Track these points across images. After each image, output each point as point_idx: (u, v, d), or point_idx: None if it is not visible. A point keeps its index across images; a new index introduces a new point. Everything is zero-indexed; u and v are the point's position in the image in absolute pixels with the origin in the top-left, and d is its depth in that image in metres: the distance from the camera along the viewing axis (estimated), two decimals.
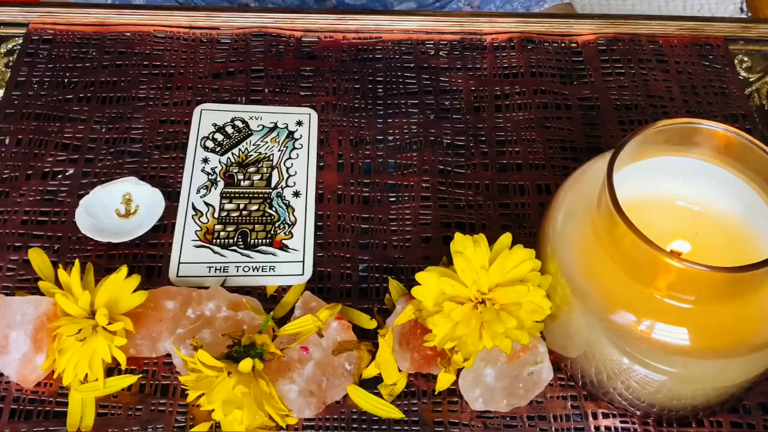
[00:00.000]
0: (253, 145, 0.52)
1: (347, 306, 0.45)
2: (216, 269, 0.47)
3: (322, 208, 0.50)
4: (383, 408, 0.42)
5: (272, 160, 0.52)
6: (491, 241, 0.40)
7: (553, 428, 0.42)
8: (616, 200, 0.35)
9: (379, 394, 0.42)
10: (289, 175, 0.51)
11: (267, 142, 0.53)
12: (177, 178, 0.51)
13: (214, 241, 0.48)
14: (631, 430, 0.42)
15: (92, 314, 0.41)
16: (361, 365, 0.42)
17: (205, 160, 0.51)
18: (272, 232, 0.48)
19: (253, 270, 0.47)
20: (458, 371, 0.42)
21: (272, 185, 0.50)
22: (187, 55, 0.57)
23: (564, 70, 0.57)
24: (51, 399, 0.42)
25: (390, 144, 0.53)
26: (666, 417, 0.41)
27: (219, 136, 0.53)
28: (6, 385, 0.43)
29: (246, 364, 0.39)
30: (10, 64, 0.56)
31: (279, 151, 0.52)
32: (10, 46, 0.58)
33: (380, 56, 0.58)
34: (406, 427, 0.42)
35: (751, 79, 0.57)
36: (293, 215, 0.49)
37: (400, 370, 0.42)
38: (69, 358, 0.41)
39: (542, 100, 0.55)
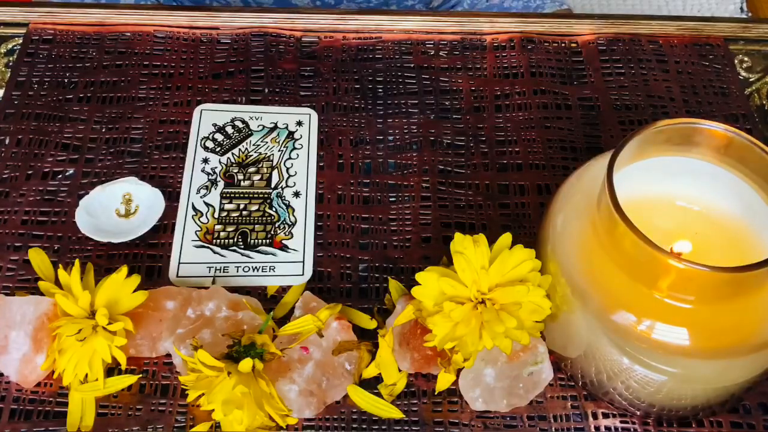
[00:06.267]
0: (253, 145, 0.52)
1: (347, 306, 0.45)
2: (216, 269, 0.47)
3: (322, 208, 0.50)
4: (383, 408, 0.42)
5: (272, 161, 0.52)
6: (491, 241, 0.40)
7: (553, 428, 0.42)
8: (616, 200, 0.35)
9: (379, 394, 0.42)
10: (289, 176, 0.51)
11: (267, 143, 0.53)
12: (177, 178, 0.51)
13: (214, 241, 0.48)
14: (631, 430, 0.42)
15: (92, 314, 0.41)
16: (361, 365, 0.42)
17: (205, 160, 0.51)
18: (272, 233, 0.48)
19: (253, 270, 0.47)
20: (458, 371, 0.42)
21: (272, 185, 0.50)
22: (187, 55, 0.57)
23: (564, 70, 0.57)
24: (51, 399, 0.42)
25: (390, 144, 0.53)
26: (666, 417, 0.41)
27: (219, 136, 0.53)
28: (6, 385, 0.42)
29: (246, 364, 0.39)
30: (10, 64, 0.56)
31: (279, 151, 0.52)
32: (10, 46, 0.58)
33: (380, 56, 0.58)
34: (406, 427, 0.42)
35: (751, 79, 0.57)
36: (293, 215, 0.49)
37: (400, 370, 0.42)
38: (69, 358, 0.41)
39: (542, 100, 0.55)
